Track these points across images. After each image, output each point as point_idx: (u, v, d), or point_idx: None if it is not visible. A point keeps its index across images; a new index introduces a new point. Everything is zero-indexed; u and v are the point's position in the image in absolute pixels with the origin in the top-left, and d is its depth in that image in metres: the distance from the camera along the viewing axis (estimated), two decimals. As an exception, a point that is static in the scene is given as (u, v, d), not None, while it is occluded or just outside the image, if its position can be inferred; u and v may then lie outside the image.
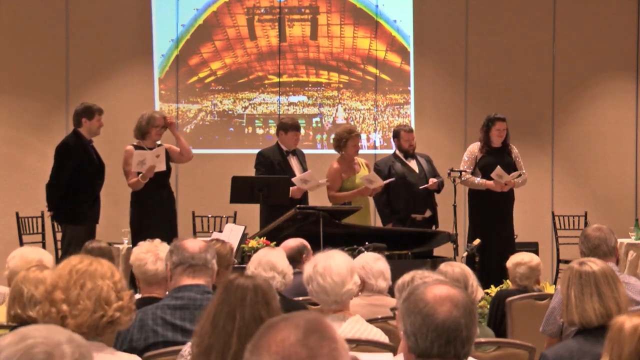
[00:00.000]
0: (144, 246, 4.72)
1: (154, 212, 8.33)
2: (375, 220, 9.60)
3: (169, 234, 8.06)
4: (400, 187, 8.79)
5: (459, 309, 2.57)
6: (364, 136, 11.32)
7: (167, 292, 4.60)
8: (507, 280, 6.19)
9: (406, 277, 3.86)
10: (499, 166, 8.70)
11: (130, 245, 8.36)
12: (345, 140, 8.72)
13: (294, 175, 8.59)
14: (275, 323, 1.96)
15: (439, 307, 2.57)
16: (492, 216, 8.87)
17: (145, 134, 8.41)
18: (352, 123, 11.25)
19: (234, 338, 2.89)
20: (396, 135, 9.05)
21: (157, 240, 4.74)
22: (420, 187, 8.77)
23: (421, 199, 8.83)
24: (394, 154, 9.06)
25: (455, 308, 2.57)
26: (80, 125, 8.27)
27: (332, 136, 9.14)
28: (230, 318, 2.93)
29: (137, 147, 8.43)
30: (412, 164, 8.97)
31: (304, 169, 8.82)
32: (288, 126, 8.79)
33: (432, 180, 8.79)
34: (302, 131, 11.27)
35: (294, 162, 8.80)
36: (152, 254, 4.62)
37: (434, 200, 8.94)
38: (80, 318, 2.93)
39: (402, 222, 8.76)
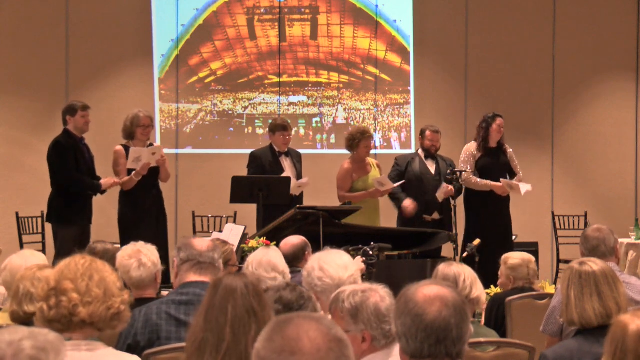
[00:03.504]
0: (127, 251, 4.65)
1: (142, 211, 8.35)
2: (383, 220, 9.59)
3: (157, 233, 8.07)
4: (412, 185, 8.84)
5: (449, 308, 2.58)
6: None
7: (158, 291, 4.63)
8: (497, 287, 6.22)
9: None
10: (502, 180, 8.83)
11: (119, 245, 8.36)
12: (358, 141, 8.77)
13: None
14: (291, 321, 1.99)
15: (428, 307, 2.58)
16: (489, 215, 8.93)
17: (132, 134, 8.43)
18: (352, 123, 11.26)
19: (227, 330, 2.89)
20: (422, 133, 9.16)
21: (141, 243, 4.68)
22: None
23: (431, 200, 8.85)
24: (417, 151, 9.16)
25: (445, 308, 2.57)
26: (67, 123, 8.37)
27: (345, 135, 9.19)
28: (223, 311, 2.93)
29: (125, 147, 8.44)
30: (431, 164, 9.02)
31: (297, 170, 8.86)
32: (274, 127, 8.88)
33: (446, 187, 8.78)
34: (302, 131, 11.32)
35: (286, 163, 8.84)
36: (135, 259, 4.57)
37: (446, 204, 8.92)
38: (93, 306, 2.97)
39: (411, 222, 8.78)
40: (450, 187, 8.75)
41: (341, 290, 3.44)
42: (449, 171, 8.80)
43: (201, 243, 4.13)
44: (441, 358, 2.56)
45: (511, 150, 9.22)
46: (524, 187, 8.93)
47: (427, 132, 9.10)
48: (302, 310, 3.49)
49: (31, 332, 1.96)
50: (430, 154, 9.06)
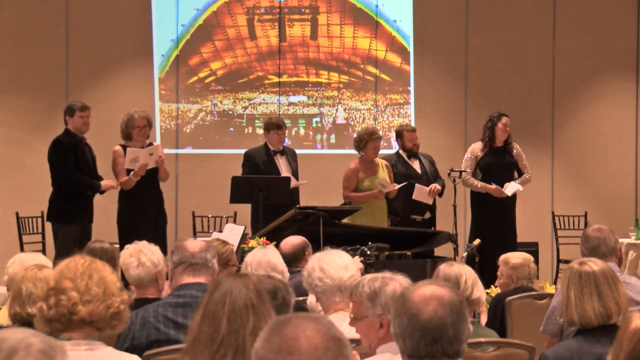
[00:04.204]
0: (129, 250, 4.68)
1: (142, 212, 8.34)
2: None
3: (156, 233, 8.07)
4: (401, 187, 8.83)
5: (445, 307, 2.58)
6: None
7: (162, 292, 4.63)
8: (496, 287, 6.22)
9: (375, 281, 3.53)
10: (500, 188, 8.81)
11: (119, 245, 8.37)
12: (365, 142, 8.73)
13: (280, 174, 8.68)
14: (289, 321, 1.99)
15: (424, 306, 2.58)
16: (494, 216, 8.91)
17: (128, 135, 8.41)
18: (352, 123, 11.26)
19: (223, 322, 2.89)
20: (399, 135, 9.11)
21: (144, 243, 4.70)
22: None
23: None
24: (397, 153, 9.10)
25: (442, 307, 2.58)
26: (66, 123, 8.41)
27: (354, 136, 9.22)
28: (221, 305, 2.93)
29: (124, 147, 8.44)
30: (415, 164, 9.02)
31: (293, 169, 8.86)
32: (269, 125, 8.88)
33: (433, 186, 8.81)
34: (302, 131, 11.32)
35: (281, 161, 8.83)
36: (135, 258, 4.59)
37: (433, 203, 8.98)
38: (92, 305, 2.98)
39: (401, 222, 8.79)
40: (437, 186, 8.78)
41: (362, 278, 3.52)
42: (449, 171, 8.81)
43: (193, 244, 4.12)
44: (438, 357, 2.56)
45: (519, 148, 9.19)
46: (512, 188, 8.88)
47: (405, 133, 9.07)
48: (278, 286, 3.60)
49: (36, 332, 2.00)
50: (413, 153, 9.05)
